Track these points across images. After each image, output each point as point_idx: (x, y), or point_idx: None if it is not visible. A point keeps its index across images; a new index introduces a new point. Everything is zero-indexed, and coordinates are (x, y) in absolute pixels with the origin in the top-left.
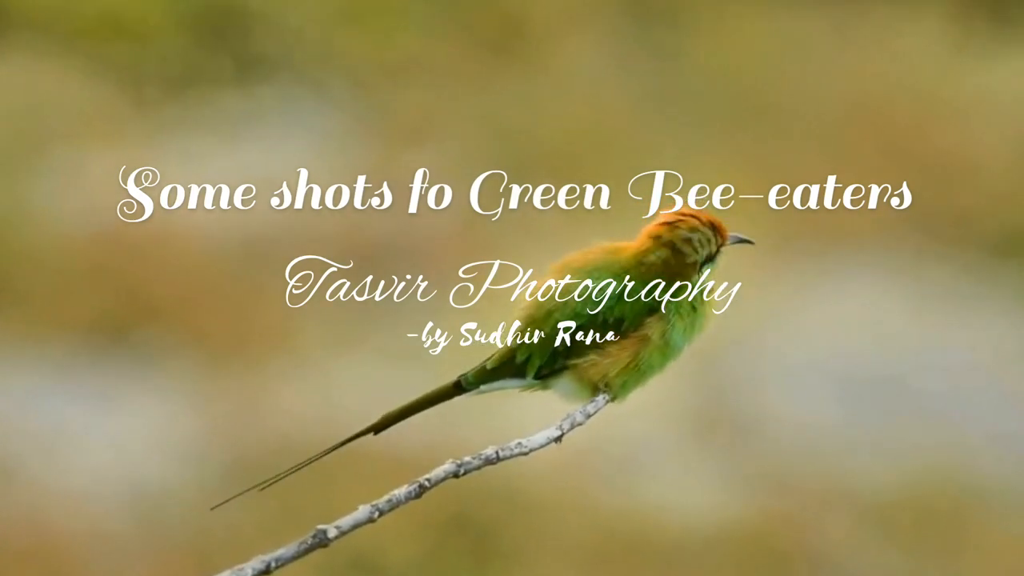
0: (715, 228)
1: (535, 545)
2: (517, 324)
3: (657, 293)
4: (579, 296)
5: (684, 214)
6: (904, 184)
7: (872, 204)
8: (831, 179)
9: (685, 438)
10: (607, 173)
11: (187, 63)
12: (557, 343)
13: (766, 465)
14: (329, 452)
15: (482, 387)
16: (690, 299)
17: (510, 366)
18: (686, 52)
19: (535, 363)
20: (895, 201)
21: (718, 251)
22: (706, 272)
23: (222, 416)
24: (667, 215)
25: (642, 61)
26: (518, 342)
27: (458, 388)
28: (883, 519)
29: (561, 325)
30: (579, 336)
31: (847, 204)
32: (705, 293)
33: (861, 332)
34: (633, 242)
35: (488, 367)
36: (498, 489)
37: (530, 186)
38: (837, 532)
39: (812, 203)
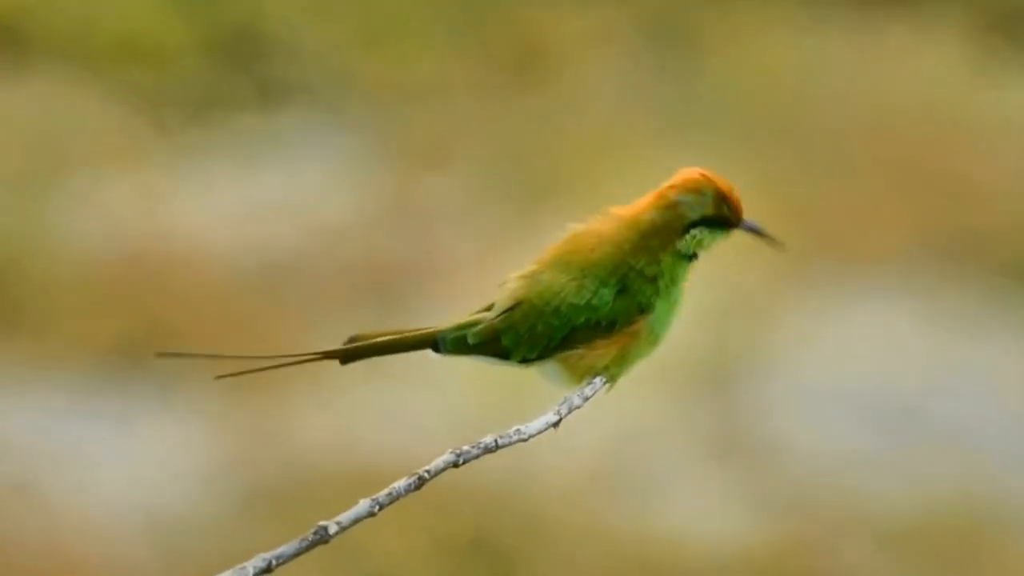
0: (721, 195)
1: (552, 569)
2: (503, 305)
3: (652, 269)
4: (573, 300)
5: (693, 177)
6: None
7: (890, 226)
8: (848, 201)
9: (703, 462)
10: (625, 194)
11: (206, 87)
12: (552, 343)
13: (784, 489)
14: (291, 363)
15: (459, 355)
16: (665, 267)
17: (494, 345)
18: (704, 74)
19: (520, 352)
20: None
21: (722, 225)
22: (694, 235)
23: (240, 441)
24: (676, 177)
25: (660, 83)
26: (505, 326)
27: (434, 346)
28: (901, 544)
29: (553, 324)
30: (572, 335)
31: (865, 226)
32: (684, 269)
33: (879, 356)
34: (631, 208)
35: (470, 341)
36: (515, 514)
37: (548, 208)
38: (855, 557)
39: (830, 225)
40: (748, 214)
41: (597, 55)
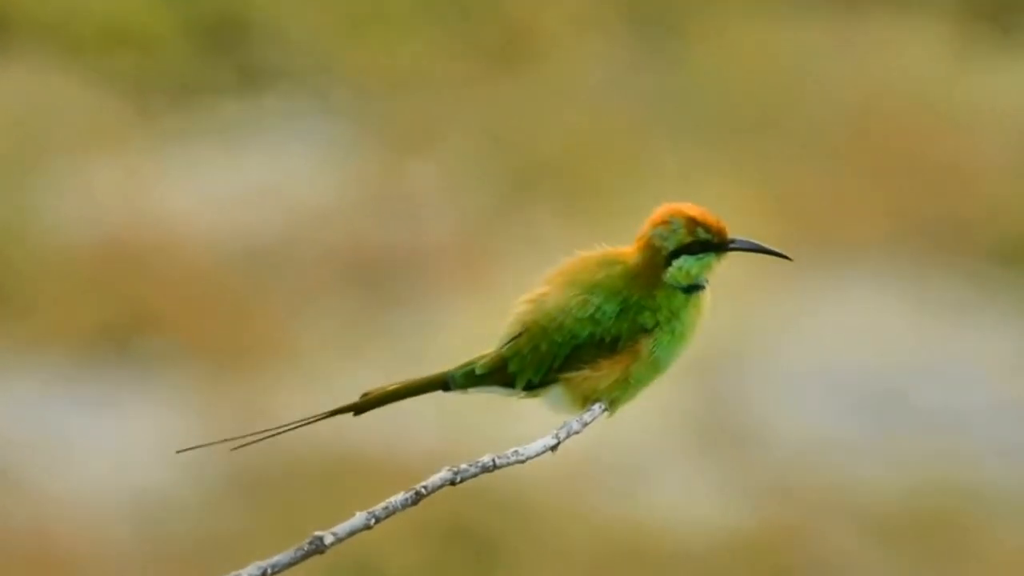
0: (692, 220)
1: (535, 555)
2: (511, 332)
3: (649, 303)
4: (578, 314)
5: (664, 210)
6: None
7: (874, 213)
8: (833, 188)
9: (686, 448)
10: (609, 182)
11: (190, 73)
12: (556, 362)
13: (768, 475)
14: (300, 426)
15: (469, 390)
16: (662, 302)
17: (501, 374)
18: (688, 62)
19: (526, 376)
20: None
21: (707, 250)
22: (679, 266)
23: (224, 424)
24: (654, 215)
25: (645, 71)
26: (511, 352)
27: (444, 386)
28: (886, 528)
29: (558, 342)
30: (576, 354)
31: (849, 213)
32: (684, 302)
33: (863, 342)
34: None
35: (477, 372)
36: (499, 499)
37: (532, 193)
38: (839, 542)
39: (813, 212)
40: (733, 202)
41: (581, 42)
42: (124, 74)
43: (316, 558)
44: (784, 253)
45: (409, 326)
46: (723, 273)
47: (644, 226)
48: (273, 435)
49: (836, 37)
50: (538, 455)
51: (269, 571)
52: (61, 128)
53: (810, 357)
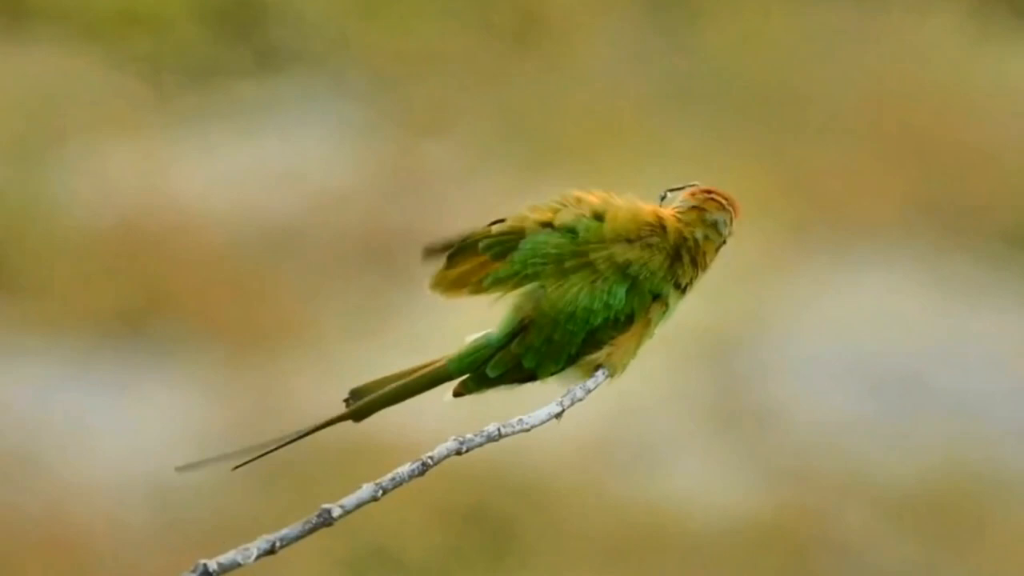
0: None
1: (552, 538)
2: (513, 326)
3: (682, 279)
4: (589, 305)
5: (724, 195)
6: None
7: (889, 195)
8: (848, 171)
9: (703, 430)
10: (625, 163)
11: (206, 54)
12: (572, 349)
13: (784, 457)
14: (304, 436)
15: (481, 392)
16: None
17: (516, 371)
18: (703, 44)
19: (548, 369)
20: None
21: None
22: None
23: (240, 407)
24: (696, 194)
25: (659, 53)
26: (522, 349)
27: (456, 394)
28: (902, 511)
29: (571, 330)
30: (591, 338)
31: (864, 195)
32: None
33: (879, 323)
34: (637, 209)
35: (491, 375)
36: (515, 483)
37: (548, 175)
38: (856, 524)
39: (829, 195)
40: (748, 185)
41: (597, 24)
42: (140, 56)
43: (334, 543)
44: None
45: (425, 308)
46: (738, 255)
47: (704, 203)
48: (273, 451)
49: (851, 20)
50: (543, 423)
51: (278, 544)
52: (76, 110)
53: (825, 339)
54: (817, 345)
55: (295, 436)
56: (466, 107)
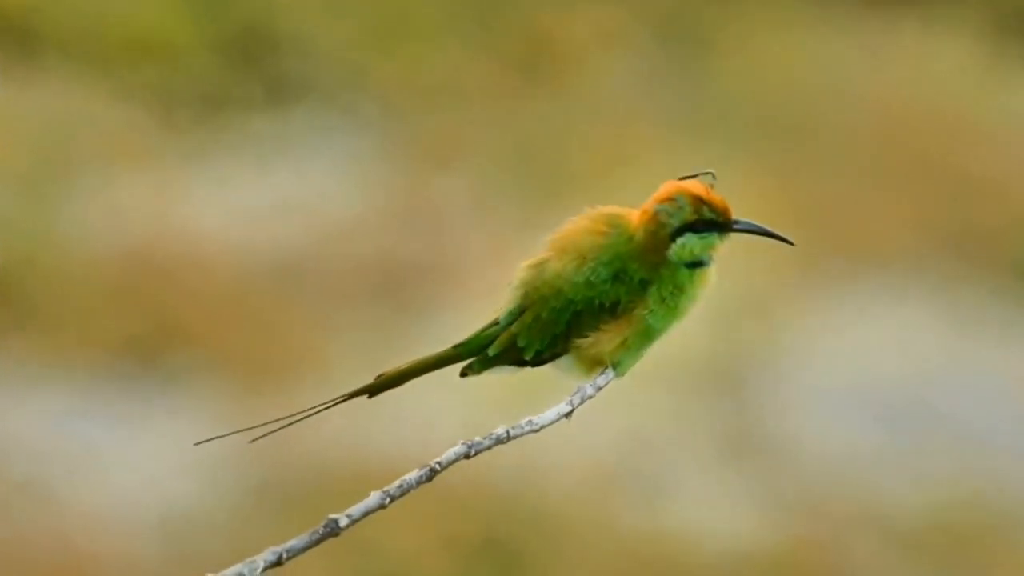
0: (697, 199)
1: (563, 568)
2: (513, 305)
3: (644, 271)
4: (573, 279)
5: (670, 187)
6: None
7: (901, 225)
8: (860, 200)
9: (714, 462)
10: (636, 194)
11: (217, 86)
12: (557, 329)
13: (794, 488)
14: (320, 410)
15: (483, 373)
16: (665, 277)
17: (513, 351)
18: (714, 73)
19: (533, 347)
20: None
21: (710, 229)
22: (683, 244)
23: (250, 437)
24: (659, 192)
25: (670, 82)
26: (519, 328)
27: (462, 374)
28: (912, 541)
29: (556, 308)
30: (577, 320)
31: (874, 224)
32: (689, 277)
33: (889, 353)
34: (634, 212)
35: (491, 354)
36: (527, 512)
37: (558, 207)
38: (866, 556)
39: (840, 224)
40: (757, 213)
41: (608, 55)
42: (151, 88)
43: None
44: (787, 237)
45: (436, 339)
46: (748, 285)
47: (648, 201)
48: (290, 423)
49: (863, 50)
50: (552, 423)
51: (284, 555)
52: (88, 142)
53: (835, 369)
54: (827, 375)
55: (312, 410)
56: (477, 139)
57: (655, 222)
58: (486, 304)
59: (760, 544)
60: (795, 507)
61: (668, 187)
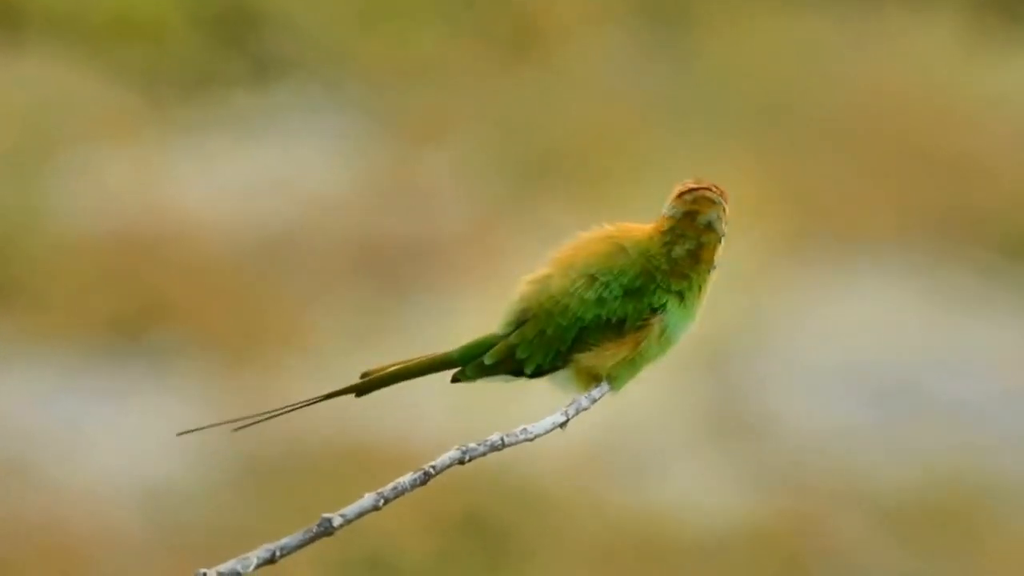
0: (724, 196)
1: (548, 545)
2: (514, 317)
3: (676, 282)
4: (584, 296)
5: (709, 191)
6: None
7: (885, 205)
8: (845, 181)
9: (699, 438)
10: (622, 173)
11: (202, 64)
12: (562, 346)
13: (780, 466)
14: (302, 407)
15: (478, 380)
16: (695, 283)
17: (510, 362)
18: (700, 53)
19: (535, 361)
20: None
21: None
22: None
23: (237, 415)
24: (682, 195)
25: (656, 62)
26: (519, 340)
27: (451, 370)
28: (898, 519)
29: (563, 325)
30: (582, 336)
31: (861, 205)
32: (708, 279)
33: (875, 333)
34: (646, 227)
35: (487, 363)
36: (511, 489)
37: (544, 185)
38: (851, 532)
39: (825, 204)
40: (745, 194)
41: (594, 34)
42: (136, 66)
43: (329, 550)
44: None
45: (422, 316)
46: (734, 265)
47: (694, 203)
48: (274, 416)
49: (847, 29)
50: (547, 432)
51: (278, 553)
52: (72, 120)
53: (822, 349)
54: (814, 354)
55: (297, 405)
56: (463, 117)
57: (708, 227)
58: (472, 281)
59: (746, 521)
60: (781, 485)
61: (707, 191)
